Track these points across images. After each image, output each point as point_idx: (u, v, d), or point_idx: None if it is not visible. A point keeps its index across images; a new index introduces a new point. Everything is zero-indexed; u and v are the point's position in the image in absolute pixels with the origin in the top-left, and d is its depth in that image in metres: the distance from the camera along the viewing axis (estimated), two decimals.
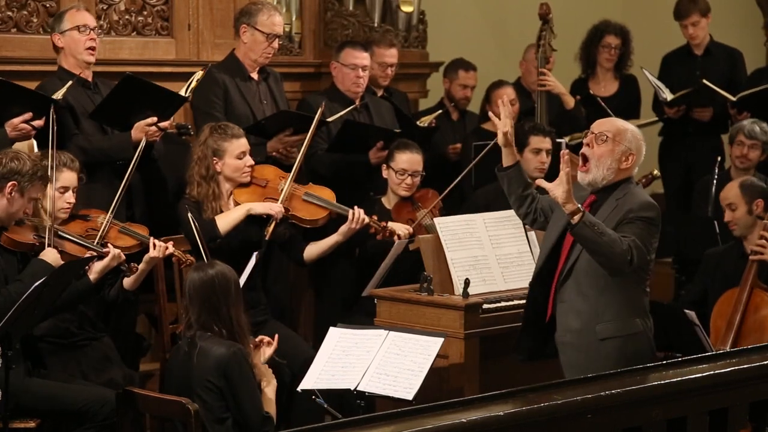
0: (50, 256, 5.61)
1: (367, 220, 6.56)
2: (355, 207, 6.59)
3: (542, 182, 5.38)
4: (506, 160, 5.63)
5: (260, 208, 6.46)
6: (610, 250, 5.23)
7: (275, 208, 6.45)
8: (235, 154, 6.45)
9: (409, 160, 6.87)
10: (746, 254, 6.63)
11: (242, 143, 6.49)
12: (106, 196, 6.30)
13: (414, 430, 3.35)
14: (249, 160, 6.51)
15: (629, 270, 5.29)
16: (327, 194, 6.69)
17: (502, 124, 5.57)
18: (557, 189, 5.25)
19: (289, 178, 6.59)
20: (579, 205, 5.26)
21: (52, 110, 6.03)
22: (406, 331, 5.56)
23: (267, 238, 6.42)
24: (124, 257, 5.92)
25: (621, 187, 5.43)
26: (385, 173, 6.94)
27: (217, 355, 5.25)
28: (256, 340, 5.60)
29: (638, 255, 5.27)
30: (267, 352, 5.60)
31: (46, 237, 5.68)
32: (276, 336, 5.68)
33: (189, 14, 7.45)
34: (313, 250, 6.64)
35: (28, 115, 6.16)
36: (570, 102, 8.24)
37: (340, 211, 6.61)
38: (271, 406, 5.41)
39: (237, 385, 5.23)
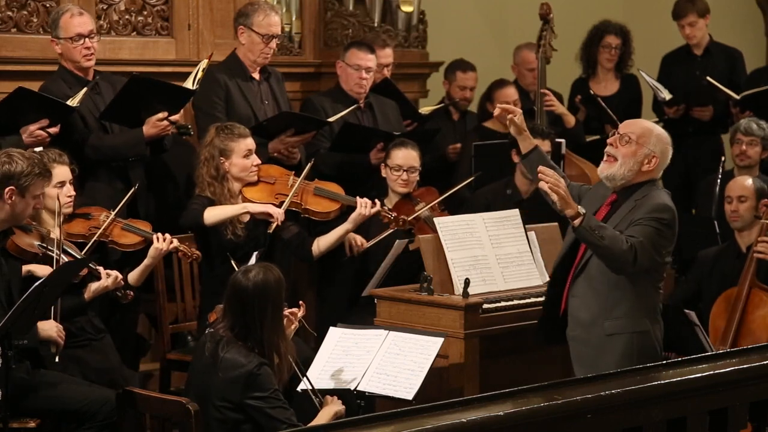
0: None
1: (377, 207, 6.57)
2: (362, 197, 6.60)
3: (543, 185, 5.36)
4: (524, 147, 5.69)
5: (259, 207, 6.41)
6: (611, 252, 5.26)
7: (274, 211, 6.40)
8: (242, 153, 6.44)
9: (404, 156, 6.89)
10: (742, 254, 6.64)
11: (248, 142, 6.48)
12: (108, 193, 6.29)
13: (414, 430, 3.34)
14: (255, 159, 6.51)
15: (633, 270, 5.30)
16: (335, 188, 6.71)
17: (510, 118, 5.61)
18: (553, 198, 5.30)
19: (302, 175, 6.60)
20: (579, 209, 5.27)
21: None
22: (406, 331, 5.57)
23: (269, 232, 6.36)
24: (123, 282, 5.88)
25: (643, 188, 5.45)
26: (383, 172, 6.96)
27: (240, 367, 5.08)
28: (286, 312, 5.43)
29: (642, 254, 5.27)
30: (293, 325, 5.47)
31: (54, 251, 5.59)
32: (302, 304, 5.61)
33: (189, 14, 7.44)
34: (322, 243, 6.63)
35: (44, 122, 6.17)
36: (571, 121, 8.28)
37: (351, 203, 6.63)
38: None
39: (255, 403, 5.08)
